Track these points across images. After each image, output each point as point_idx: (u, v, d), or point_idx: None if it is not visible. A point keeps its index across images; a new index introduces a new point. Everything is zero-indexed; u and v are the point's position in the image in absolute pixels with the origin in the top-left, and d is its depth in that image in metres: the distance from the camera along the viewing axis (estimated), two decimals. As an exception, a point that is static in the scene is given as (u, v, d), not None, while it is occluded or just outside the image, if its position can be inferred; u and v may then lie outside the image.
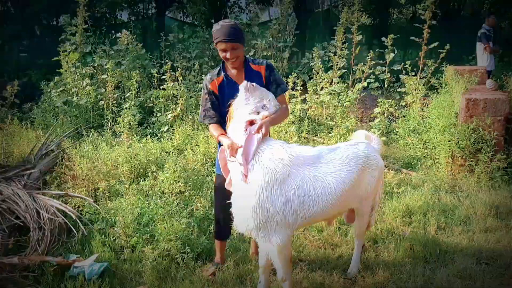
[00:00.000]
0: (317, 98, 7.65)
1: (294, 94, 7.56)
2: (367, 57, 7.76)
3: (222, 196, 3.17)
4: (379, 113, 6.73)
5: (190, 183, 4.73)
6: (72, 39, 8.09)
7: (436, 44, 7.27)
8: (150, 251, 3.63)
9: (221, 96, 3.21)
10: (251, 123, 2.92)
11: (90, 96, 7.53)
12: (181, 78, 7.65)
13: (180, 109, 7.30)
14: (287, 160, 2.87)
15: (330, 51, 8.60)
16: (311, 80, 8.09)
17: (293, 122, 7.30)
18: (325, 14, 14.31)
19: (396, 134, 6.88)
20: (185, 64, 9.24)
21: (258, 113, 2.97)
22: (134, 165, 5.08)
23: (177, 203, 4.33)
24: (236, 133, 2.95)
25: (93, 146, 5.68)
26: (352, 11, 8.22)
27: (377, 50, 8.38)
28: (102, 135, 6.62)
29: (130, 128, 6.67)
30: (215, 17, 12.80)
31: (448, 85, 6.45)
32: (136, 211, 4.10)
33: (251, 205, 2.80)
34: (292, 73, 7.53)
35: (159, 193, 4.52)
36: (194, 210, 4.41)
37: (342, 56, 8.05)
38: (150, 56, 8.92)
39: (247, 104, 2.96)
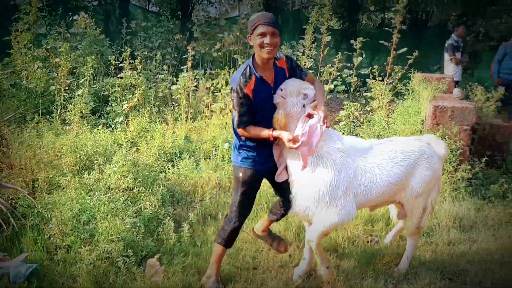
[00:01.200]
0: (282, 97, 7.39)
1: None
2: (335, 59, 7.58)
3: (253, 187, 3.24)
4: (344, 116, 6.54)
5: (140, 179, 4.35)
6: (25, 18, 7.50)
7: (405, 49, 7.15)
8: (87, 252, 3.24)
9: (255, 100, 2.98)
10: (309, 116, 2.95)
11: (40, 80, 6.99)
12: (140, 67, 7.22)
13: (138, 99, 6.88)
14: (344, 151, 3.11)
15: (298, 51, 8.38)
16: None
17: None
18: (295, 14, 14.11)
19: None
20: (146, 53, 8.80)
21: (304, 105, 3.02)
22: (80, 156, 4.65)
23: (123, 201, 3.95)
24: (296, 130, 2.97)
25: (38, 133, 5.21)
26: (322, 12, 8.01)
27: (345, 52, 8.21)
28: (50, 123, 6.14)
29: (81, 116, 6.21)
30: (182, 8, 12.38)
31: (414, 91, 6.32)
32: (76, 207, 3.70)
33: (317, 192, 3.04)
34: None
35: (104, 189, 4.11)
36: (142, 209, 4.04)
37: (310, 56, 7.84)
38: (110, 43, 8.41)
39: (292, 107, 3.00)
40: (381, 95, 7.15)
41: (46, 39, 7.68)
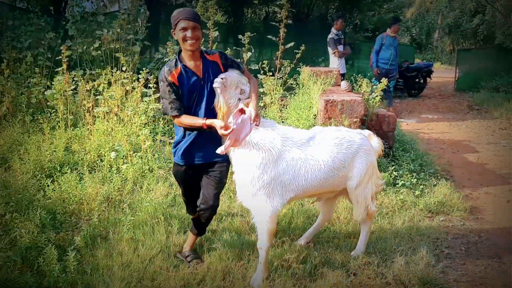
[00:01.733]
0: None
1: (146, 92, 6.84)
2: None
3: (181, 181, 3.54)
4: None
5: (13, 203, 3.75)
6: None
7: (292, 44, 7.19)
8: None
9: (181, 87, 3.19)
10: (241, 111, 3.07)
11: None
12: (7, 71, 6.37)
13: (7, 108, 6.07)
14: (281, 140, 3.23)
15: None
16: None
17: (146, 123, 6.57)
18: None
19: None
20: (15, 55, 7.84)
21: (239, 99, 3.18)
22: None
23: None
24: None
25: None
26: (206, 7, 7.75)
27: (234, 48, 8.07)
28: None
29: None
30: (54, 4, 11.31)
31: (305, 86, 6.37)
32: None
33: (249, 178, 3.18)
34: (144, 69, 6.80)
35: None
36: (17, 237, 3.48)
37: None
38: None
39: (229, 98, 3.16)
40: (273, 91, 7.12)
41: None
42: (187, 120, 3.18)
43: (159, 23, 12.90)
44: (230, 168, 3.46)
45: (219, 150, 3.10)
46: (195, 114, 3.21)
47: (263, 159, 3.16)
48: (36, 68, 7.16)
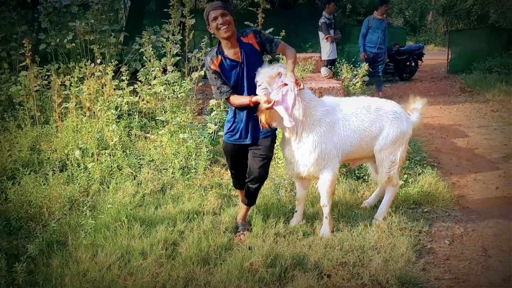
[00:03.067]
0: (149, 89, 6.74)
1: (120, 85, 6.55)
2: (203, 43, 7.07)
3: (230, 156, 3.78)
4: (214, 105, 6.08)
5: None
6: None
7: (271, 29, 6.87)
8: None
9: (224, 73, 3.45)
10: (284, 84, 3.38)
11: None
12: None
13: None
14: (330, 111, 3.65)
15: (163, 36, 7.70)
16: (143, 69, 7.15)
17: (120, 117, 6.29)
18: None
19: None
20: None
21: (286, 84, 3.39)
22: None
23: None
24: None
25: None
26: (181, -9, 7.40)
27: (213, 35, 7.74)
28: None
29: None
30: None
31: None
32: None
33: (311, 151, 3.58)
34: (112, 61, 6.52)
35: None
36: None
37: (175, 41, 7.23)
38: None
39: (277, 88, 3.40)
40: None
41: None
42: (237, 100, 3.46)
43: (142, 13, 12.54)
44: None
45: (288, 124, 3.34)
46: (241, 93, 3.48)
47: (324, 131, 3.57)
48: (5, 64, 6.85)
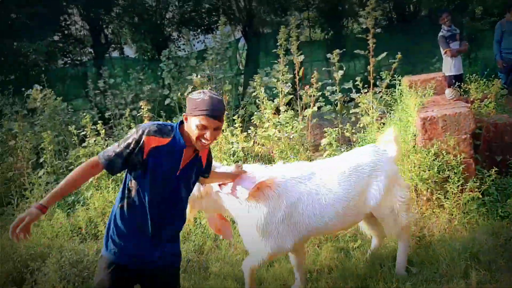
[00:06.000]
0: (263, 132, 6.65)
1: (233, 131, 6.57)
2: (312, 78, 6.81)
3: None
4: (327, 144, 5.71)
5: (78, 284, 3.60)
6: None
7: (384, 54, 6.34)
8: None
9: (151, 164, 2.43)
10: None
11: (-3, 168, 6.43)
12: (103, 131, 6.56)
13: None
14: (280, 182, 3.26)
15: (274, 77, 7.63)
16: (256, 112, 7.12)
17: (236, 162, 6.26)
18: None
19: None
20: (117, 111, 8.24)
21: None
22: (14, 265, 3.94)
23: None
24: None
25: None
26: (289, 29, 7.27)
27: (323, 69, 7.46)
28: (11, 215, 5.53)
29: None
30: (159, 52, 11.78)
31: (402, 101, 5.47)
32: None
33: (254, 226, 3.22)
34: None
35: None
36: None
37: (285, 81, 7.09)
38: (72, 109, 7.85)
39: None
40: (370, 109, 6.32)
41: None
42: (76, 172, 2.37)
43: (258, 55, 12.82)
44: None
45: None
46: (155, 206, 2.48)
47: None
48: (132, 124, 7.35)
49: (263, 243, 3.21)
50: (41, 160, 6.48)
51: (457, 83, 6.28)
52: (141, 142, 2.37)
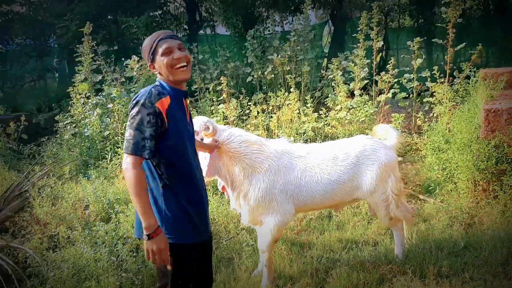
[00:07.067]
0: (335, 114, 6.93)
1: (305, 111, 6.91)
2: (388, 65, 6.92)
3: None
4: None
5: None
6: (81, 69, 7.99)
7: (463, 45, 6.28)
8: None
9: (171, 123, 2.31)
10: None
11: (96, 127, 7.33)
12: (188, 102, 7.22)
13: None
14: (277, 156, 3.49)
15: (352, 61, 7.81)
16: (330, 95, 7.40)
17: (306, 141, 6.62)
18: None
19: (418, 151, 5.98)
20: (203, 85, 8.88)
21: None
22: (102, 206, 4.69)
23: (128, 252, 3.83)
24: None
25: (71, 183, 5.38)
26: (371, 15, 7.38)
27: (402, 56, 7.48)
28: (105, 168, 6.37)
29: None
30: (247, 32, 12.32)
31: (475, 93, 5.47)
32: (81, 262, 3.66)
33: (255, 199, 3.40)
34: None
35: (115, 239, 4.04)
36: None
37: (361, 66, 7.26)
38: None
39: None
40: (445, 99, 6.33)
41: (101, 86, 8.08)
42: (141, 185, 2.21)
43: (343, 38, 12.89)
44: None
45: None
46: (183, 163, 2.42)
47: (265, 175, 3.45)
48: (214, 98, 7.95)
49: (268, 217, 3.44)
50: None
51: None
52: (158, 111, 2.25)
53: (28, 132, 8.18)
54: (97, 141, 7.22)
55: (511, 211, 4.20)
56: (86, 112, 7.64)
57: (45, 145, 7.67)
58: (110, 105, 7.48)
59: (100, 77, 8.10)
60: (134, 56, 8.19)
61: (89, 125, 7.43)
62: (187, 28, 14.04)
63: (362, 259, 3.76)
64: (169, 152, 2.34)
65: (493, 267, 3.49)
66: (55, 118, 7.76)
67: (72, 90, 7.72)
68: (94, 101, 7.79)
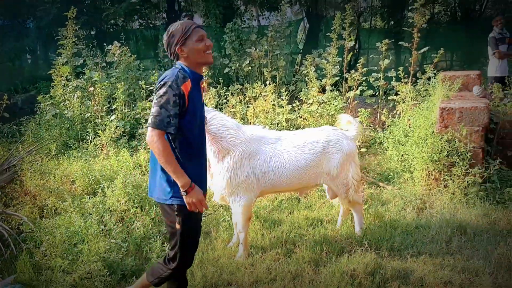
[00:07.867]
0: (307, 107, 7.40)
1: (279, 103, 7.35)
2: (358, 64, 7.44)
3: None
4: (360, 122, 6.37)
5: (137, 201, 4.58)
6: (64, 52, 8.18)
7: (425, 49, 6.84)
8: (68, 274, 3.51)
9: (191, 106, 2.67)
10: None
11: (76, 109, 7.57)
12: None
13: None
14: (247, 141, 3.82)
15: (325, 58, 8.30)
16: (303, 90, 7.86)
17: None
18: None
19: (381, 144, 6.53)
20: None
21: None
22: (89, 181, 5.01)
23: (115, 222, 4.19)
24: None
25: (56, 160, 5.66)
26: (344, 16, 7.87)
27: (371, 56, 8.00)
28: (85, 149, 6.64)
29: (112, 141, 6.62)
30: (225, 24, 12.66)
31: (433, 93, 6.03)
32: (70, 229, 4.00)
33: (224, 180, 3.79)
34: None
35: (102, 211, 4.39)
36: (135, 229, 4.25)
37: (333, 63, 7.75)
38: (143, 67, 8.90)
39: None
40: (408, 98, 6.90)
41: (83, 69, 8.30)
42: (169, 153, 2.59)
43: (318, 36, 13.40)
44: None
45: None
46: (198, 143, 2.82)
47: (237, 158, 3.79)
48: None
49: (237, 198, 3.84)
50: (113, 107, 7.58)
51: (491, 84, 6.74)
52: (182, 93, 2.57)
53: (9, 111, 8.30)
54: (76, 123, 7.48)
55: (458, 198, 4.77)
56: (66, 94, 7.85)
57: (26, 124, 7.83)
58: (92, 89, 7.73)
59: (81, 61, 8.32)
60: (116, 42, 8.44)
61: (69, 107, 7.67)
62: (165, 16, 14.24)
63: (326, 234, 4.24)
64: (186, 128, 2.69)
65: (439, 244, 4.03)
66: (37, 98, 7.93)
67: (54, 72, 7.91)
68: (75, 84, 8.02)
